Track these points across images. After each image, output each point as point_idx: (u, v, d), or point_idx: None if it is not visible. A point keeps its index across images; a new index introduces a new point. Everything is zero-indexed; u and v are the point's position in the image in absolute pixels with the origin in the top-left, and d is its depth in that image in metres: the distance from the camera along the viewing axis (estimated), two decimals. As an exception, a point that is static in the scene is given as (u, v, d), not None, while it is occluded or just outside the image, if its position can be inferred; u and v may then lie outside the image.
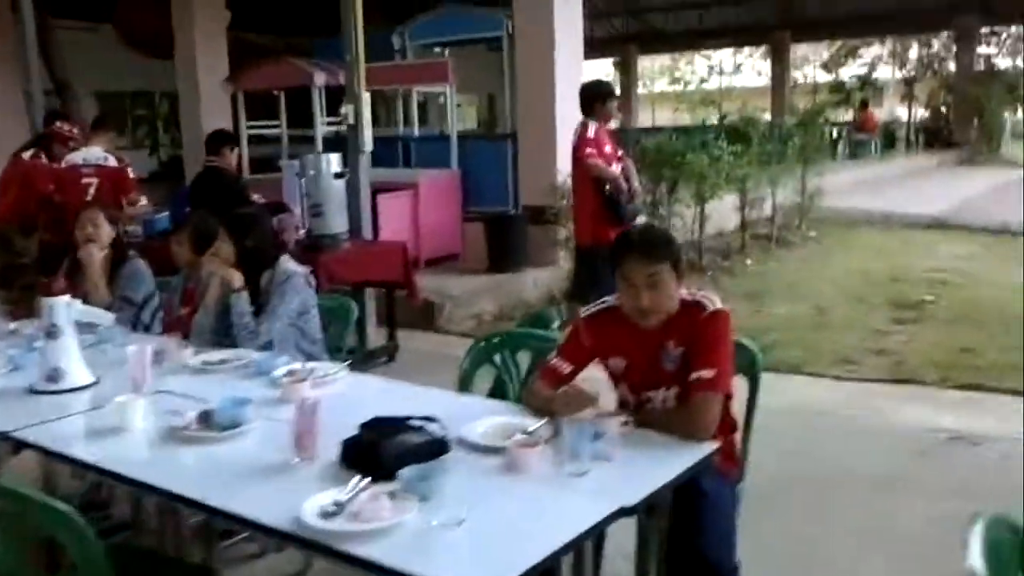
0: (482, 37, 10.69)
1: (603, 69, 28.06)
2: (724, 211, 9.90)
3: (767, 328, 6.63)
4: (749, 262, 9.35)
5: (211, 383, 2.90)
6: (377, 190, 7.53)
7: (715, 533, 2.55)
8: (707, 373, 2.49)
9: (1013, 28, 23.61)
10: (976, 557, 1.58)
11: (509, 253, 7.90)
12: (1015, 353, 5.71)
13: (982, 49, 24.37)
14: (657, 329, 2.60)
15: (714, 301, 2.62)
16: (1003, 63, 24.79)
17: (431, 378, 3.04)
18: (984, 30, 23.60)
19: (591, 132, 5.85)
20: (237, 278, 3.45)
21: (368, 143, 6.62)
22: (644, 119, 27.99)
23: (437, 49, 10.84)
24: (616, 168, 5.86)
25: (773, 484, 3.69)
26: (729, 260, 9.29)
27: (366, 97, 6.57)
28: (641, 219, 6.25)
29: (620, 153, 6.05)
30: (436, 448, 2.18)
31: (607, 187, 5.71)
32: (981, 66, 23.75)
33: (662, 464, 2.25)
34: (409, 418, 2.27)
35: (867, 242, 10.73)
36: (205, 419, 2.44)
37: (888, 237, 11.06)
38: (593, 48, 19.52)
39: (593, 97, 5.98)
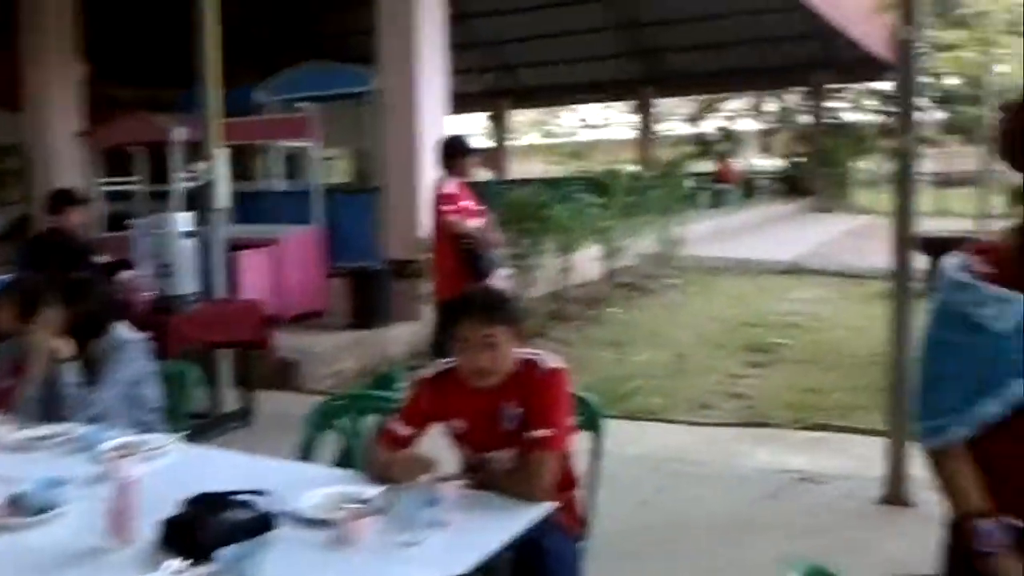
0: (351, 93, 10.68)
1: (476, 123, 28.44)
2: (589, 261, 10.09)
3: (629, 375, 6.77)
4: (613, 310, 9.54)
5: (29, 462, 2.73)
6: (237, 247, 7.36)
7: (559, 592, 2.55)
8: (544, 432, 2.50)
9: (858, 85, 25.14)
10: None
11: (374, 308, 7.84)
12: (860, 393, 5.97)
13: (833, 104, 25.89)
14: (495, 390, 2.60)
15: (551, 359, 2.65)
16: (851, 117, 26.31)
17: (289, 440, 2.96)
18: (833, 86, 25.08)
19: (449, 187, 5.88)
20: (64, 347, 3.29)
21: (224, 199, 6.48)
22: (517, 171, 28.42)
23: (307, 104, 10.75)
24: (475, 223, 5.90)
25: (624, 535, 3.73)
26: (594, 309, 9.45)
27: (224, 152, 6.45)
28: (502, 273, 6.30)
29: (480, 207, 6.10)
30: (260, 524, 2.10)
31: (465, 242, 5.73)
32: (832, 119, 25.24)
33: (498, 527, 2.23)
34: (234, 493, 2.18)
35: (726, 288, 11.10)
36: (15, 503, 2.29)
37: (746, 283, 11.48)
38: (465, 103, 19.79)
39: (451, 152, 6.02)
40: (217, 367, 5.85)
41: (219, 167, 6.42)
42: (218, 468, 2.71)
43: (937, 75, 22.29)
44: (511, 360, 2.60)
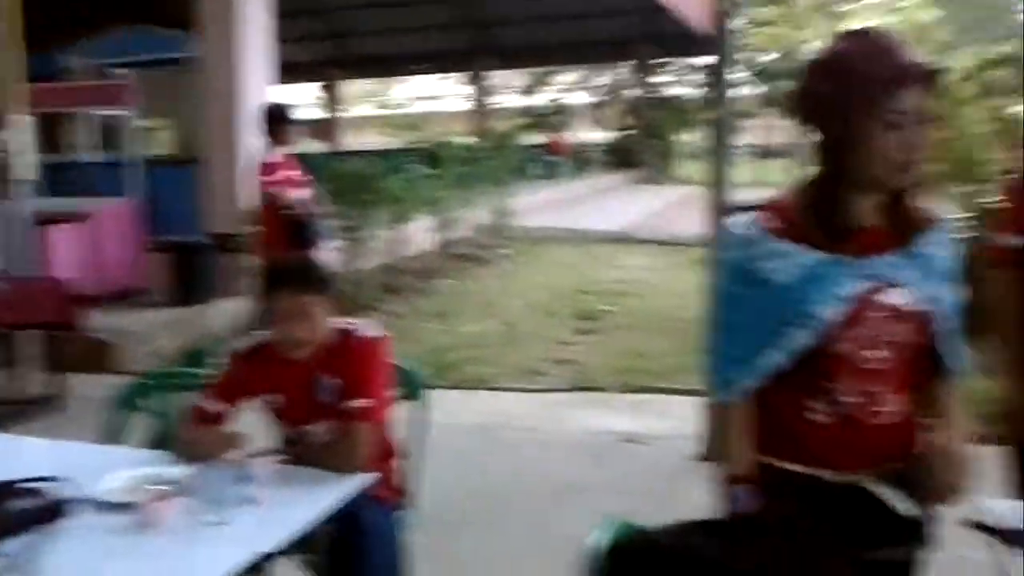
0: (170, 59, 10.15)
1: (308, 93, 27.74)
2: (423, 233, 10.05)
3: (459, 345, 6.80)
4: (446, 281, 9.55)
5: None
6: (46, 221, 6.90)
7: (380, 565, 2.52)
8: (361, 403, 2.46)
9: (682, 60, 26.03)
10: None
11: (196, 284, 7.52)
12: (682, 356, 6.21)
13: (659, 78, 26.72)
14: (311, 361, 2.54)
15: (369, 329, 2.60)
16: (677, 91, 27.24)
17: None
18: (659, 61, 25.87)
19: (271, 157, 5.71)
20: None
21: (29, 170, 6.06)
22: (350, 143, 27.96)
23: (123, 71, 10.15)
24: (299, 194, 5.75)
25: (453, 503, 3.75)
26: (427, 280, 9.43)
27: (29, 121, 6.02)
28: (330, 244, 6.18)
29: (305, 178, 5.95)
30: (49, 513, 1.97)
31: (288, 213, 5.58)
32: (658, 94, 26.07)
33: (312, 502, 2.18)
34: (21, 480, 2.04)
35: (557, 258, 11.32)
36: None
37: (576, 252, 11.73)
38: (296, 72, 19.24)
39: (274, 121, 5.84)
40: (19, 350, 5.48)
41: (22, 136, 5.99)
42: (13, 455, 2.53)
43: (755, 50, 23.41)
44: (326, 330, 2.54)
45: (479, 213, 11.29)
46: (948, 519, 1.83)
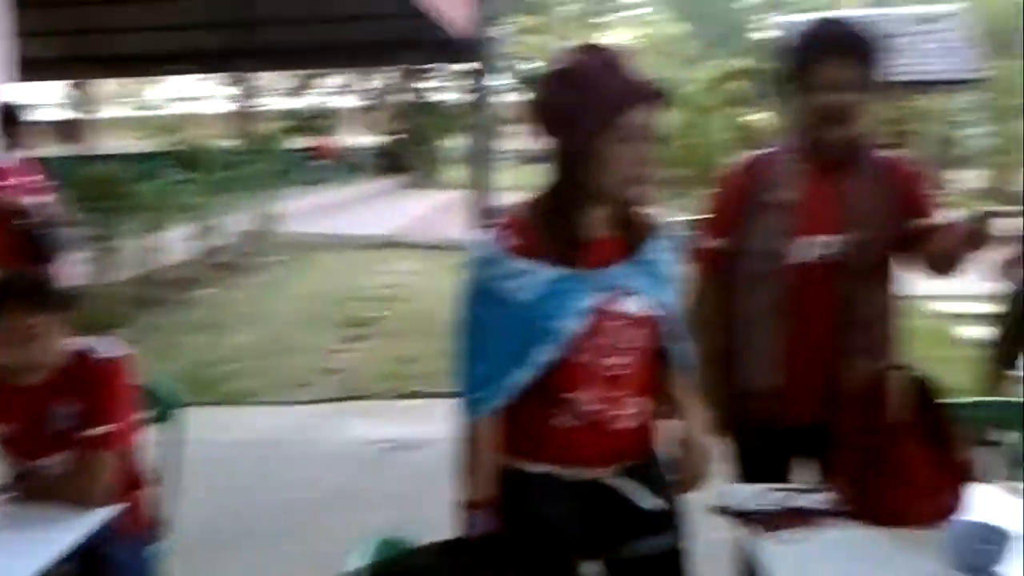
0: None
1: (55, 93, 25.71)
2: (182, 241, 9.57)
3: (223, 359, 6.54)
4: (208, 292, 9.14)
5: None
6: None
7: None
8: (101, 429, 2.28)
9: (448, 65, 26.34)
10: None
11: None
12: (448, 359, 6.25)
13: (426, 83, 26.90)
14: (43, 387, 2.32)
15: (110, 348, 2.42)
16: (443, 96, 27.53)
17: None
18: (425, 66, 26.02)
19: (2, 161, 5.21)
20: None
21: None
22: (102, 146, 26.19)
23: None
24: (35, 200, 5.28)
25: (216, 527, 3.59)
26: (186, 291, 8.99)
27: None
28: (73, 256, 5.73)
29: (43, 183, 5.47)
30: None
31: (20, 221, 5.11)
32: (425, 98, 26.25)
33: (48, 541, 2.00)
34: None
35: (325, 264, 11.13)
36: None
37: (345, 258, 11.58)
38: (39, 69, 17.71)
39: (3, 122, 5.33)
40: None
41: None
42: None
43: (519, 58, 24.10)
44: (60, 352, 2.34)
45: (243, 219, 10.89)
46: (695, 507, 1.94)
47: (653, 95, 1.70)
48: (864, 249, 2.27)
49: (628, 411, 1.81)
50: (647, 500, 1.85)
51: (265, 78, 27.89)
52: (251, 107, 26.18)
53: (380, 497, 4.16)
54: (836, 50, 2.23)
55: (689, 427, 1.87)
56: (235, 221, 10.60)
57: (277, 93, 30.87)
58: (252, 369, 6.31)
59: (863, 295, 2.29)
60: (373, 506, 4.06)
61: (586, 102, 1.66)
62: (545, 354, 1.73)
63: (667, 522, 1.89)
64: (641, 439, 1.87)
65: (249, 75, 25.70)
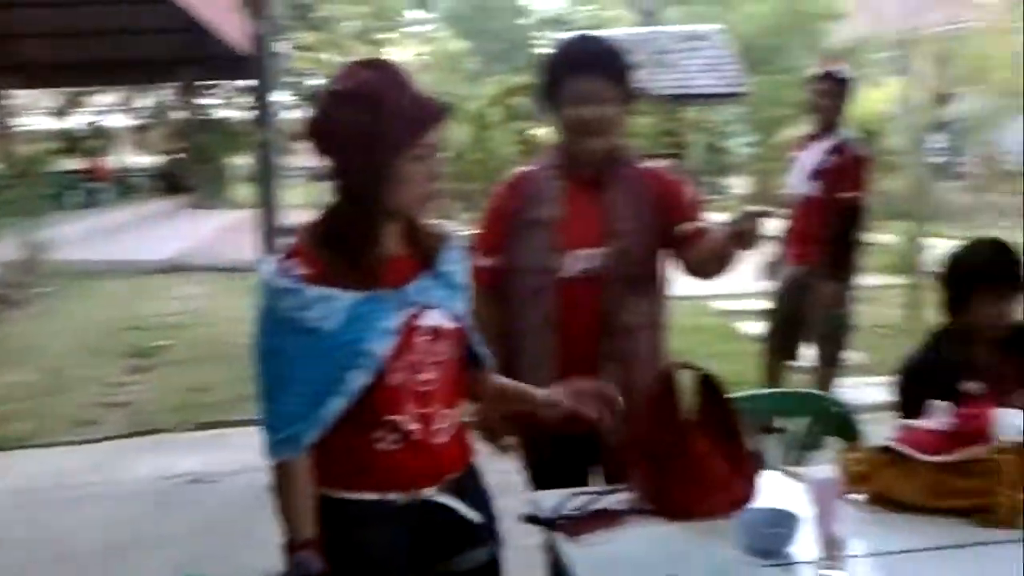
0: None
1: None
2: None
3: (-8, 402, 6.02)
4: (-29, 329, 8.40)
5: None
6: None
7: None
8: None
9: (230, 81, 25.47)
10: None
11: None
12: (247, 384, 6.03)
13: (206, 100, 25.87)
14: None
15: None
16: (226, 113, 26.57)
17: None
18: (205, 83, 25.02)
19: None
20: None
21: None
22: None
23: None
24: None
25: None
26: (-55, 330, 8.22)
27: None
28: None
29: None
30: None
31: None
32: (207, 116, 25.23)
33: None
34: None
35: (104, 292, 10.47)
36: None
37: (125, 285, 10.92)
38: None
39: None
40: None
41: None
42: None
43: (302, 74, 23.68)
44: None
45: (7, 248, 10.06)
46: (506, 515, 1.97)
47: (443, 112, 1.72)
48: (625, 260, 2.36)
49: (444, 425, 1.82)
50: (471, 512, 1.87)
51: (25, 96, 25.90)
52: (10, 127, 24.22)
53: (180, 535, 3.97)
54: (585, 65, 2.33)
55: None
56: (0, 250, 9.78)
57: (40, 112, 28.76)
58: (25, 410, 5.83)
59: (627, 304, 2.38)
60: (173, 544, 3.88)
61: (379, 121, 1.64)
62: (359, 379, 1.70)
63: (488, 533, 1.92)
64: (459, 451, 1.89)
65: (6, 92, 23.77)
